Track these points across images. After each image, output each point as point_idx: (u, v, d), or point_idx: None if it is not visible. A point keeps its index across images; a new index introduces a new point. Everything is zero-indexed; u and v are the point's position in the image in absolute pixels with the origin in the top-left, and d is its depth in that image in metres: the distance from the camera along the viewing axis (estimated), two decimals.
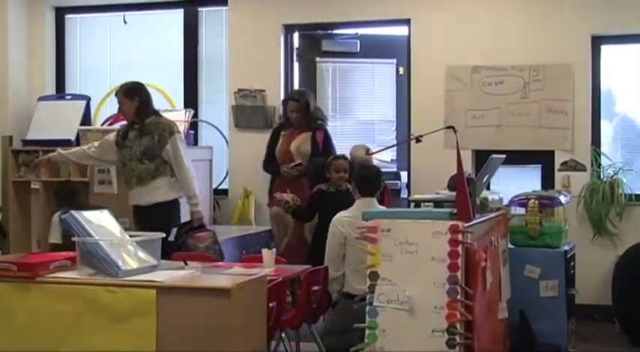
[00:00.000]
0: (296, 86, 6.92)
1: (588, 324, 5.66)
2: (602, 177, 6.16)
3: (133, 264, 3.36)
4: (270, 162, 5.93)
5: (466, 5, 6.44)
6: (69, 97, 7.13)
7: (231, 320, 3.08)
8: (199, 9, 7.26)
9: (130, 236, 3.55)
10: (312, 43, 7.01)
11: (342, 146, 6.55)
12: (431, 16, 6.50)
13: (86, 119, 6.85)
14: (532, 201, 4.48)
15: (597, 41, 6.24)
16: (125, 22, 7.40)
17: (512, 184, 5.90)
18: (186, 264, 3.72)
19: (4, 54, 7.14)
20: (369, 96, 7.13)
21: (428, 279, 3.19)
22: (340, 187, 5.26)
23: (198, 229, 5.01)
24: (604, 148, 6.28)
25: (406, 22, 6.59)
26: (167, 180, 5.04)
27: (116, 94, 5.23)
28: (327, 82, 7.05)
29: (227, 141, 7.02)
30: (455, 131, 3.83)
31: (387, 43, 7.08)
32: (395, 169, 6.83)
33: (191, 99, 7.22)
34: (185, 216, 5.16)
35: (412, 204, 5.41)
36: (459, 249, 3.18)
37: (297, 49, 7.01)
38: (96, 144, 5.33)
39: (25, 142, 6.85)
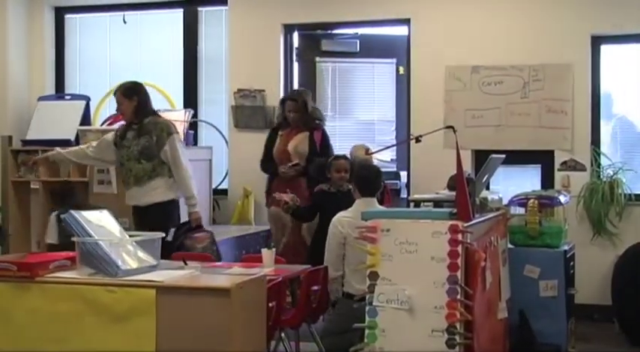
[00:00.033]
0: (296, 86, 6.92)
1: (588, 324, 5.66)
2: (601, 176, 6.16)
3: (133, 264, 3.36)
4: (268, 162, 5.91)
5: (466, 5, 6.44)
6: (68, 97, 7.13)
7: (230, 320, 3.08)
8: (199, 9, 7.26)
9: (130, 236, 3.55)
10: (312, 42, 7.01)
11: (342, 146, 6.55)
12: (431, 16, 6.50)
13: (86, 119, 6.85)
14: (532, 200, 4.48)
15: (597, 41, 6.24)
16: (125, 22, 7.40)
17: (511, 184, 5.90)
18: (185, 263, 3.73)
19: (4, 54, 7.14)
20: (369, 96, 7.13)
21: (427, 279, 3.19)
22: (341, 187, 5.25)
23: (195, 230, 5.01)
24: (603, 148, 6.28)
25: (406, 21, 6.60)
26: (165, 181, 5.03)
27: (115, 94, 5.23)
28: (326, 81, 7.05)
29: (227, 142, 7.02)
30: (454, 131, 3.83)
31: (387, 42, 7.08)
32: (395, 169, 6.83)
33: (191, 99, 7.22)
34: (183, 217, 5.16)
35: (412, 204, 5.41)
36: (459, 248, 3.18)
37: (296, 48, 7.01)
38: (94, 143, 5.32)
39: (25, 142, 6.85)
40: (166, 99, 7.05)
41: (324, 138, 5.87)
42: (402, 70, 6.89)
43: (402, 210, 4.80)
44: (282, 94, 6.70)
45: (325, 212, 4.99)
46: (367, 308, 3.27)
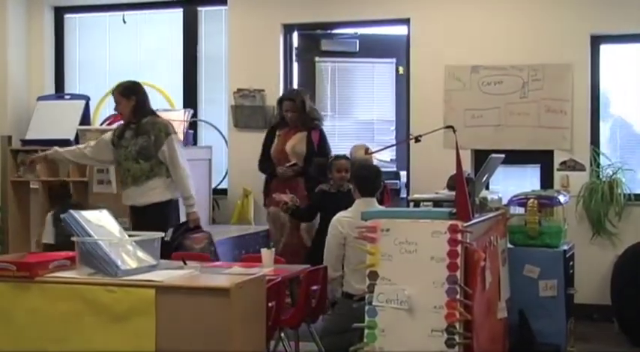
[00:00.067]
0: (295, 86, 6.92)
1: (587, 324, 5.66)
2: (601, 176, 6.16)
3: (132, 264, 3.36)
4: (266, 162, 5.89)
5: (465, 5, 6.44)
6: (68, 97, 7.13)
7: (230, 320, 3.08)
8: (199, 8, 7.26)
9: (129, 235, 3.55)
10: (312, 42, 7.01)
11: (342, 146, 6.55)
12: (430, 16, 6.50)
13: (85, 119, 6.85)
14: (531, 200, 4.47)
15: (596, 41, 6.24)
16: (124, 22, 7.40)
17: (511, 184, 5.91)
18: (185, 263, 3.73)
19: (4, 53, 7.14)
20: (369, 95, 7.13)
21: (427, 279, 3.19)
22: (342, 187, 5.25)
23: (194, 230, 5.00)
24: (603, 148, 6.28)
25: (405, 21, 6.60)
26: (163, 181, 5.02)
27: (113, 93, 5.21)
28: (326, 81, 7.05)
29: (226, 141, 7.02)
30: (454, 131, 3.83)
31: (387, 42, 7.08)
32: (394, 169, 6.83)
33: (190, 98, 7.22)
34: (182, 217, 5.15)
35: (411, 204, 5.41)
36: (459, 248, 3.18)
37: (296, 48, 7.01)
38: (92, 143, 5.30)
39: (24, 142, 6.85)
40: (166, 98, 7.05)
41: (322, 137, 5.86)
42: (401, 69, 6.89)
43: (402, 209, 4.79)
44: (281, 94, 6.70)
45: (326, 212, 4.99)
46: (367, 307, 3.27)
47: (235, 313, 3.11)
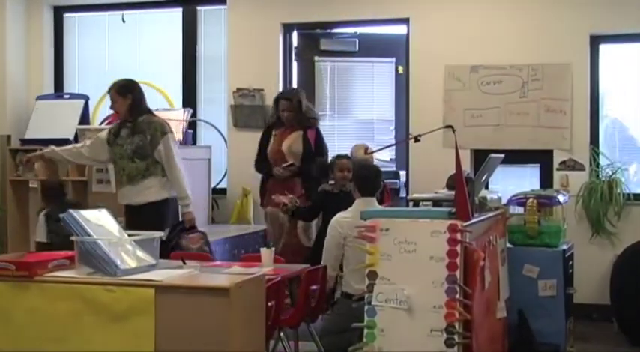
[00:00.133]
0: (295, 85, 6.92)
1: (586, 323, 5.67)
2: (600, 176, 6.17)
3: (132, 263, 3.35)
4: (262, 162, 5.85)
5: (465, 5, 6.44)
6: (67, 96, 7.13)
7: (229, 320, 3.08)
8: (198, 8, 7.26)
9: (129, 235, 3.55)
10: (311, 42, 7.01)
11: (341, 146, 6.56)
12: (429, 16, 6.50)
13: (84, 118, 6.85)
14: (530, 200, 4.47)
15: (596, 41, 6.24)
16: (124, 21, 7.40)
17: (510, 183, 5.90)
18: (184, 263, 3.72)
19: (3, 53, 7.14)
20: (368, 95, 7.13)
21: (426, 278, 3.19)
22: (344, 187, 5.23)
23: (189, 230, 4.99)
24: (602, 147, 6.28)
25: (405, 21, 6.60)
26: (158, 180, 4.99)
27: (109, 92, 5.16)
28: (325, 81, 7.05)
29: (226, 141, 7.02)
30: (454, 130, 3.83)
31: (386, 42, 7.08)
32: (394, 168, 6.83)
33: (190, 98, 7.22)
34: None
35: (411, 204, 5.41)
36: (458, 248, 3.18)
37: (295, 48, 7.01)
38: (88, 142, 5.26)
39: (24, 141, 6.85)
40: (165, 98, 7.05)
41: (318, 136, 5.83)
42: (401, 69, 6.89)
43: (401, 209, 4.79)
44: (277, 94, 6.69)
45: (327, 212, 4.97)
46: (366, 307, 3.27)
47: (235, 312, 3.11)
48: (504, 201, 4.57)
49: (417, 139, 4.00)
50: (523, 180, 6.15)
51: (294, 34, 6.99)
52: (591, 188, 6.11)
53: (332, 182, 5.43)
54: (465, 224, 3.25)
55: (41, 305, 3.25)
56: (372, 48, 7.02)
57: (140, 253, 3.44)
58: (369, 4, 6.61)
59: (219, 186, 7.03)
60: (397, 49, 6.84)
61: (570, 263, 4.68)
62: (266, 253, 4.31)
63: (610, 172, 6.16)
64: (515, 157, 5.81)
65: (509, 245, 4.34)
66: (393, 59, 6.97)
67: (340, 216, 4.55)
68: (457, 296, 3.15)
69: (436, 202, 4.51)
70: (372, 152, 5.82)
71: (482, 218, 3.72)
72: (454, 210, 3.38)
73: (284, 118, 5.79)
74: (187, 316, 3.09)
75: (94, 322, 3.18)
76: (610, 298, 5.83)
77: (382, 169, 5.36)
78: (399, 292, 3.21)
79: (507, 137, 6.26)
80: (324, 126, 6.79)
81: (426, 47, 6.47)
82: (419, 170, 6.42)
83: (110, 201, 5.28)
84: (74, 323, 3.20)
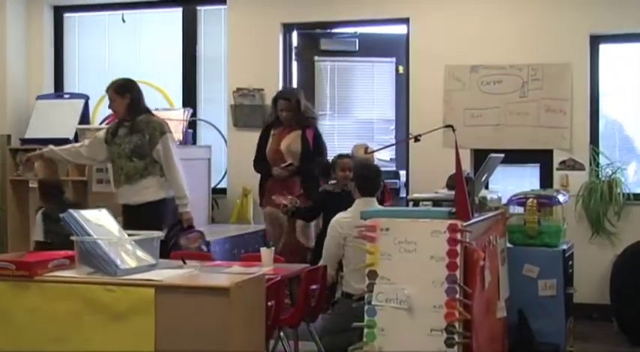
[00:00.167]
0: (295, 85, 6.92)
1: (586, 323, 5.66)
2: (600, 176, 6.17)
3: (132, 263, 3.35)
4: (261, 162, 5.83)
5: (465, 4, 6.44)
6: (67, 96, 7.13)
7: (229, 319, 3.08)
8: (198, 8, 7.27)
9: (129, 235, 3.55)
10: (311, 41, 7.01)
11: (341, 145, 6.56)
12: (429, 15, 6.50)
13: (84, 118, 6.85)
14: (530, 200, 4.47)
15: (596, 40, 6.24)
16: (124, 21, 7.40)
17: (510, 183, 5.90)
18: (184, 262, 3.72)
19: (3, 52, 7.14)
20: (368, 95, 7.13)
21: (426, 278, 3.19)
22: (345, 187, 5.23)
23: (187, 230, 4.98)
24: (602, 147, 6.28)
25: (405, 21, 6.60)
26: (156, 180, 4.98)
27: (107, 91, 5.14)
28: (325, 81, 7.05)
29: (226, 140, 7.02)
30: (454, 130, 3.83)
31: (386, 41, 7.08)
32: (394, 168, 6.83)
33: (190, 98, 7.22)
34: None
35: (411, 203, 5.41)
36: (458, 247, 3.18)
37: (295, 48, 7.01)
38: (87, 142, 5.25)
39: (24, 141, 6.85)
40: (165, 98, 7.06)
41: (317, 135, 5.80)
42: (401, 69, 6.89)
43: (401, 209, 4.79)
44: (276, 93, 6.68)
45: (329, 212, 4.95)
46: (366, 307, 3.27)
47: (235, 312, 3.11)
48: (504, 200, 4.56)
49: (417, 139, 4.00)
50: (523, 179, 6.15)
51: (294, 34, 6.99)
52: (591, 188, 6.11)
53: (333, 181, 5.43)
54: (465, 224, 3.25)
55: (41, 304, 3.25)
56: (372, 48, 7.02)
57: (140, 253, 3.44)
58: (369, 3, 6.61)
59: (219, 186, 7.03)
60: (397, 49, 6.84)
61: (570, 263, 4.68)
62: (266, 253, 4.31)
63: (610, 172, 6.16)
64: (515, 157, 5.81)
65: (509, 245, 4.34)
66: (393, 59, 6.97)
67: (340, 216, 4.55)
68: (457, 295, 3.15)
69: (436, 202, 4.51)
70: (372, 152, 5.83)
71: (482, 218, 3.72)
72: (454, 209, 3.38)
73: (283, 118, 5.77)
74: (187, 316, 3.09)
75: (94, 322, 3.18)
76: (610, 298, 5.83)
77: (382, 169, 5.36)
78: (399, 292, 3.21)
79: (507, 137, 6.26)
80: (324, 125, 6.80)
81: (426, 47, 6.47)
82: (419, 170, 6.42)
83: (110, 201, 5.27)
84: (74, 323, 3.20)
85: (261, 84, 6.80)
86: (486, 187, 4.76)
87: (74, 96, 7.07)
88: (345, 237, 4.44)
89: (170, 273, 3.35)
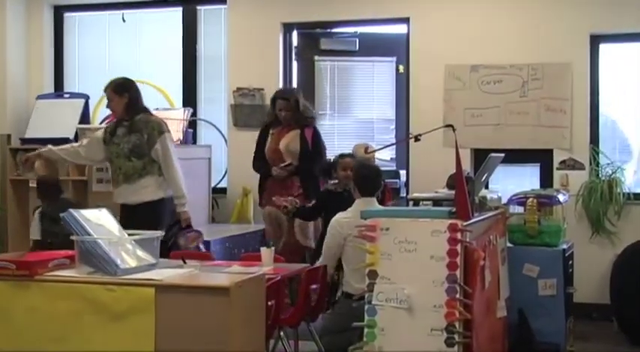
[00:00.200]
0: (295, 85, 6.92)
1: (586, 323, 5.66)
2: (600, 175, 6.17)
3: (132, 263, 3.35)
4: (260, 161, 5.81)
5: (465, 4, 6.44)
6: (67, 96, 7.13)
7: (229, 319, 3.08)
8: (198, 7, 7.26)
9: (129, 234, 3.55)
10: (311, 41, 7.01)
11: (342, 145, 6.56)
12: (430, 15, 6.50)
13: (85, 117, 6.85)
14: (531, 199, 4.47)
15: (596, 40, 6.24)
16: (124, 21, 7.40)
17: (510, 183, 5.90)
18: (185, 262, 3.73)
19: (3, 52, 7.14)
20: (368, 94, 7.13)
21: (427, 278, 3.19)
22: (347, 186, 5.22)
23: (185, 229, 4.98)
24: (602, 147, 6.28)
25: (405, 20, 6.60)
26: (155, 179, 4.97)
27: (105, 91, 5.13)
28: (325, 80, 7.05)
29: (226, 140, 7.02)
30: (454, 130, 3.83)
31: (387, 41, 7.08)
32: (394, 168, 6.83)
33: (190, 97, 7.22)
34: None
35: (411, 203, 5.41)
36: (458, 247, 3.18)
37: (295, 47, 7.01)
38: (85, 142, 5.25)
39: (24, 141, 6.85)
40: (165, 97, 7.06)
41: (316, 135, 5.78)
42: (401, 68, 6.89)
43: (401, 208, 4.79)
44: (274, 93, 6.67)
45: (330, 212, 4.95)
46: (366, 307, 3.27)
47: (235, 312, 3.11)
48: (504, 200, 4.57)
49: (417, 139, 4.00)
50: (523, 179, 6.15)
51: (295, 34, 6.99)
52: (591, 187, 6.11)
53: (335, 181, 5.42)
54: (465, 223, 3.25)
55: (41, 304, 3.25)
56: (372, 47, 7.02)
57: (140, 252, 3.44)
58: (370, 3, 6.61)
59: (219, 186, 7.03)
60: (397, 49, 6.84)
61: (570, 262, 4.68)
62: (266, 252, 4.31)
63: (610, 171, 6.16)
64: (516, 157, 5.81)
65: (509, 244, 4.34)
66: (394, 58, 6.97)
67: (340, 216, 4.54)
68: (457, 295, 3.15)
69: (436, 201, 4.51)
70: (372, 151, 5.82)
71: (482, 217, 3.72)
72: (454, 209, 3.38)
73: (281, 118, 5.75)
74: (187, 315, 3.10)
75: (94, 321, 3.18)
76: (610, 297, 5.83)
77: (382, 169, 5.36)
78: (399, 291, 3.21)
79: (507, 136, 6.26)
80: (325, 125, 6.80)
81: (427, 46, 6.47)
82: (419, 169, 6.42)
83: (110, 201, 5.26)
84: (74, 323, 3.21)
85: (262, 83, 6.80)
86: (486, 187, 4.76)
87: (74, 95, 7.07)
88: (345, 237, 4.44)
89: (170, 273, 3.35)
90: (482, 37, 6.36)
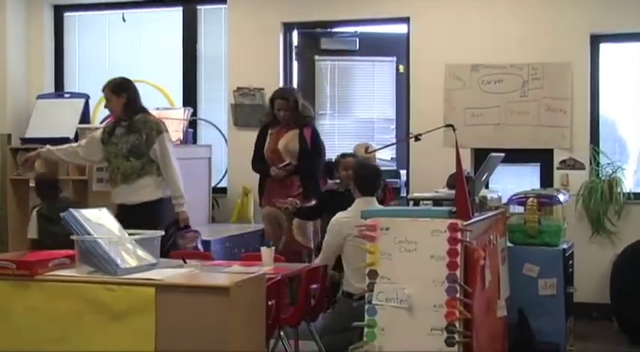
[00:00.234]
0: (295, 84, 6.92)
1: (587, 322, 5.66)
2: (600, 175, 6.16)
3: (132, 262, 3.36)
4: (259, 162, 5.78)
5: (465, 4, 6.44)
6: (67, 95, 7.12)
7: (229, 319, 3.08)
8: (198, 7, 7.26)
9: (129, 234, 3.55)
10: (311, 41, 7.01)
11: (342, 145, 6.55)
12: (430, 15, 6.50)
13: (85, 117, 6.85)
14: (531, 199, 4.47)
15: (596, 40, 6.24)
16: (124, 20, 7.40)
17: (510, 183, 5.90)
18: (185, 262, 3.73)
19: (3, 52, 7.14)
20: (369, 94, 7.13)
21: (427, 278, 3.19)
22: (349, 186, 5.22)
23: (183, 229, 4.97)
24: (602, 146, 6.27)
25: (405, 20, 6.60)
26: (153, 179, 4.96)
27: (103, 90, 5.12)
28: (326, 80, 7.05)
29: (226, 140, 7.02)
30: (454, 129, 3.83)
31: (387, 40, 7.08)
32: (395, 168, 6.83)
33: (190, 97, 7.22)
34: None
35: (411, 203, 5.41)
36: (458, 247, 3.18)
37: (296, 47, 7.01)
38: (83, 142, 5.24)
39: (24, 140, 6.85)
40: (166, 97, 7.05)
41: (314, 134, 5.75)
42: (401, 68, 6.89)
43: (402, 208, 4.79)
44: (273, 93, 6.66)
45: (332, 212, 4.95)
46: (366, 306, 3.27)
47: (235, 312, 3.11)
48: (504, 200, 4.56)
49: (417, 138, 4.00)
50: (523, 179, 6.15)
51: (295, 33, 6.99)
52: (591, 187, 6.11)
53: (337, 181, 5.42)
54: (465, 223, 3.25)
55: (41, 304, 3.26)
56: (372, 47, 7.02)
57: (140, 252, 3.44)
58: (370, 3, 6.61)
59: (219, 185, 7.03)
60: (398, 48, 6.84)
61: (570, 262, 4.68)
62: (266, 252, 4.31)
63: (610, 171, 6.16)
64: (516, 156, 5.81)
65: (509, 244, 4.34)
66: (394, 58, 6.97)
67: (340, 216, 4.54)
68: (457, 295, 3.15)
69: (436, 201, 4.52)
70: (373, 151, 5.82)
71: (482, 217, 3.72)
72: (454, 209, 3.38)
73: (280, 117, 5.73)
74: (188, 315, 3.10)
75: (94, 321, 3.19)
76: (610, 297, 5.83)
77: (383, 168, 5.36)
78: (399, 291, 3.21)
79: (508, 136, 6.26)
80: (325, 125, 6.80)
81: (427, 46, 6.47)
82: (419, 169, 6.42)
83: (110, 201, 5.27)
84: (74, 322, 3.21)
85: (262, 83, 6.80)
86: (487, 186, 4.76)
87: (74, 95, 7.06)
88: (344, 237, 4.43)
89: (170, 273, 3.35)
90: (482, 37, 6.36)
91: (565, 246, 4.55)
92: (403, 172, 6.69)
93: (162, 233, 3.71)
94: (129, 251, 3.41)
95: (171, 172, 4.96)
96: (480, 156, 5.84)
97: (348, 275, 4.45)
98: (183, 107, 6.83)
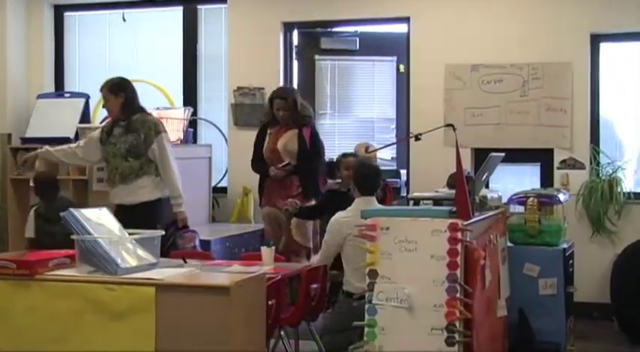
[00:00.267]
0: (295, 84, 6.92)
1: (587, 322, 5.66)
2: (600, 175, 6.16)
3: (132, 262, 3.36)
4: (258, 162, 5.76)
5: (465, 3, 6.44)
6: (68, 95, 7.12)
7: (230, 318, 3.08)
8: (198, 7, 7.26)
9: (129, 234, 3.55)
10: (312, 40, 7.01)
11: (342, 144, 6.55)
12: (430, 14, 6.50)
13: (85, 117, 6.85)
14: (531, 199, 4.47)
15: (596, 39, 6.24)
16: (124, 20, 7.40)
17: (511, 182, 5.89)
18: (185, 261, 3.73)
19: (3, 52, 7.14)
20: (369, 94, 7.13)
21: (427, 277, 3.19)
22: (350, 185, 5.21)
23: (182, 229, 4.97)
24: (603, 146, 6.27)
25: (405, 20, 6.60)
26: (152, 180, 4.95)
27: (101, 90, 5.11)
28: (326, 79, 7.05)
29: (226, 139, 7.02)
30: (454, 129, 3.83)
31: (387, 40, 7.08)
32: (395, 167, 6.83)
33: (190, 97, 7.22)
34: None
35: (411, 202, 5.41)
36: (458, 247, 3.18)
37: (296, 46, 7.01)
38: (82, 143, 5.23)
39: (24, 140, 6.85)
40: (166, 97, 7.05)
41: (314, 134, 5.74)
42: (401, 68, 6.89)
43: (402, 208, 4.79)
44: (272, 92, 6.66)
45: (332, 212, 4.94)
46: (366, 306, 3.27)
47: (235, 311, 3.11)
48: (505, 199, 4.56)
49: (417, 138, 4.00)
50: (523, 178, 6.14)
51: (295, 33, 6.99)
52: (592, 187, 6.11)
53: (338, 180, 5.42)
54: (465, 223, 3.25)
55: (42, 303, 3.26)
56: (372, 47, 7.02)
57: (141, 252, 3.45)
58: (370, 2, 6.61)
59: (219, 185, 7.03)
60: (398, 48, 6.83)
61: (571, 262, 4.68)
62: (266, 252, 4.31)
63: (610, 171, 6.16)
64: (516, 156, 5.81)
65: (509, 244, 4.34)
66: (394, 58, 6.97)
67: (340, 215, 4.54)
68: (458, 295, 3.15)
69: (437, 201, 4.52)
70: (373, 151, 5.82)
71: (482, 217, 3.72)
72: (455, 208, 3.38)
73: (279, 117, 5.71)
74: (188, 315, 3.10)
75: (94, 321, 3.19)
76: (610, 297, 5.83)
77: (383, 168, 5.36)
78: (399, 291, 3.21)
79: (508, 136, 6.26)
80: (325, 124, 6.80)
81: (427, 46, 6.47)
82: (419, 169, 6.42)
83: (109, 201, 5.27)
84: (75, 322, 3.21)
85: (262, 83, 6.80)
86: (487, 186, 4.76)
87: (75, 95, 7.06)
88: (344, 236, 4.43)
89: (171, 272, 3.35)
90: (482, 37, 6.36)
91: (565, 245, 4.55)
92: (403, 172, 6.69)
93: (163, 232, 3.71)
94: (129, 250, 3.41)
95: (169, 172, 4.95)
96: (480, 156, 5.84)
97: (348, 275, 4.45)
98: (184, 107, 6.83)
